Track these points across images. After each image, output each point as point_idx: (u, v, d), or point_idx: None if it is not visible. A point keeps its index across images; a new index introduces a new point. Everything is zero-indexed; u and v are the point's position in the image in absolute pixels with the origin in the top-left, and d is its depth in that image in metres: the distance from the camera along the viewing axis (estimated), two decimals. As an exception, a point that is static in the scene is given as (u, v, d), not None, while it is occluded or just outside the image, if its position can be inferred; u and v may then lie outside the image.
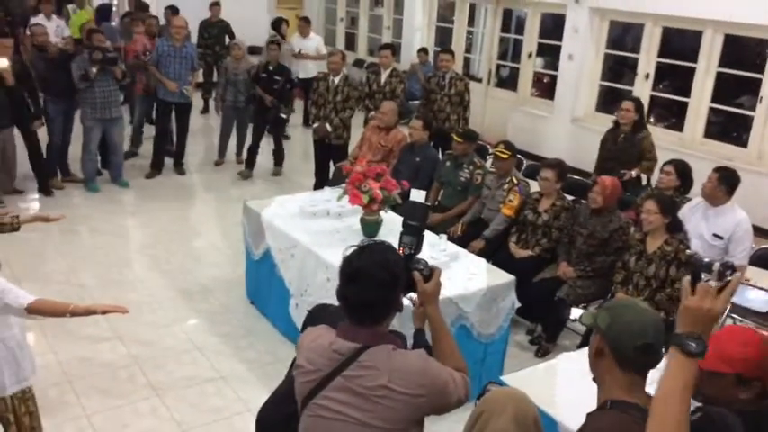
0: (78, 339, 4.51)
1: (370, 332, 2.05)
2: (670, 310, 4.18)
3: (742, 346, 1.97)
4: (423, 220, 3.06)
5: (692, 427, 1.57)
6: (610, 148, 6.01)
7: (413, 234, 2.62)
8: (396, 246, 2.37)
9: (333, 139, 7.14)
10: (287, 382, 2.50)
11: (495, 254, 5.00)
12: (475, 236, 5.21)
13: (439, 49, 10.04)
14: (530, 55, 9.77)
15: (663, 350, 1.80)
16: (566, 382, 3.01)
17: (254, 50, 9.23)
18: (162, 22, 9.93)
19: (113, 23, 10.78)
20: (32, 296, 2.80)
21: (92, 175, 7.42)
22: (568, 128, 8.93)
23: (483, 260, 4.40)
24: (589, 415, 1.87)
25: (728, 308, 4.24)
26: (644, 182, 6.01)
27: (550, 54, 9.68)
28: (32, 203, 7.02)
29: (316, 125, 7.25)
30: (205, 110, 10.95)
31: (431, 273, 2.31)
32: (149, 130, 8.55)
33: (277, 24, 10.14)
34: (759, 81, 7.14)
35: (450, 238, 4.79)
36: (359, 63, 12.53)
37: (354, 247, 2.11)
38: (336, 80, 7.11)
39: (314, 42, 10.23)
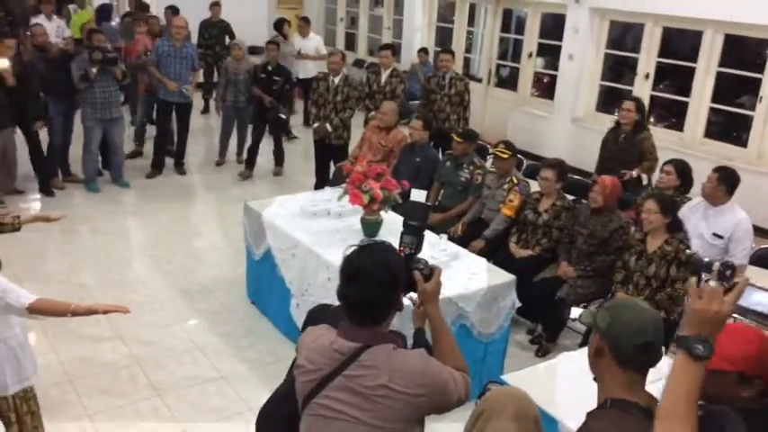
0: (79, 339, 4.52)
1: (370, 332, 2.06)
2: (670, 310, 4.19)
3: (744, 345, 1.96)
4: (423, 219, 3.07)
5: None
6: (611, 148, 6.01)
7: (413, 234, 2.62)
8: (396, 245, 2.37)
9: (333, 138, 7.14)
10: (287, 382, 2.51)
11: (496, 254, 5.00)
12: (475, 236, 5.21)
13: (439, 49, 10.05)
14: (530, 55, 9.77)
15: (663, 349, 1.80)
16: (566, 382, 3.02)
17: (254, 51, 9.24)
18: (162, 22, 9.94)
19: (113, 23, 10.78)
20: (34, 296, 2.81)
21: (92, 175, 7.43)
22: (568, 128, 8.93)
23: (483, 260, 4.41)
24: (589, 414, 1.87)
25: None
26: (644, 182, 6.01)
27: (550, 54, 9.68)
28: (33, 203, 7.03)
29: (316, 125, 7.25)
30: (206, 110, 10.96)
31: (431, 272, 2.32)
32: (151, 130, 8.55)
33: (279, 25, 10.14)
34: (759, 81, 7.14)
35: (451, 238, 4.80)
36: (359, 63, 12.53)
37: (354, 247, 2.12)
38: (336, 80, 7.12)
39: (313, 42, 10.24)
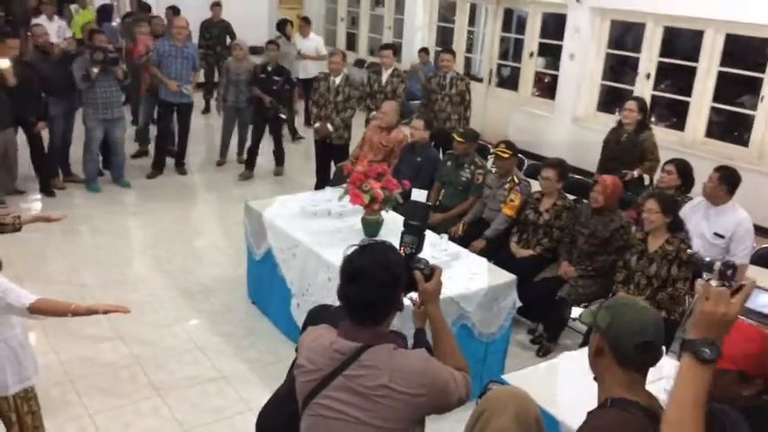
0: (80, 339, 4.52)
1: (370, 332, 2.06)
2: (671, 310, 4.19)
3: (745, 344, 1.96)
4: (424, 219, 3.06)
5: None
6: (612, 148, 6.00)
7: (414, 233, 2.62)
8: (397, 245, 2.37)
9: (334, 138, 7.14)
10: (287, 383, 2.51)
11: (497, 253, 5.00)
12: (476, 235, 5.21)
13: (440, 48, 10.05)
14: (531, 55, 9.77)
15: (663, 349, 1.79)
16: (567, 382, 3.02)
17: (255, 51, 9.25)
18: (164, 22, 9.93)
19: (114, 24, 10.79)
20: (34, 296, 2.81)
21: (93, 175, 7.43)
22: (569, 127, 8.93)
23: (484, 260, 4.40)
24: (590, 413, 1.87)
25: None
26: (646, 182, 6.01)
27: (551, 54, 9.68)
28: (34, 204, 7.04)
29: (317, 125, 7.25)
30: (206, 110, 10.95)
31: (432, 272, 2.31)
32: (153, 130, 8.55)
33: (282, 25, 10.14)
34: (760, 80, 7.13)
35: (452, 238, 4.80)
36: (360, 63, 12.53)
37: (355, 247, 2.12)
38: (337, 80, 7.12)
39: (313, 42, 10.23)
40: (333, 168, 7.14)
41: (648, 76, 8.15)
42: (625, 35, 9.13)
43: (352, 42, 13.53)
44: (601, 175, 4.95)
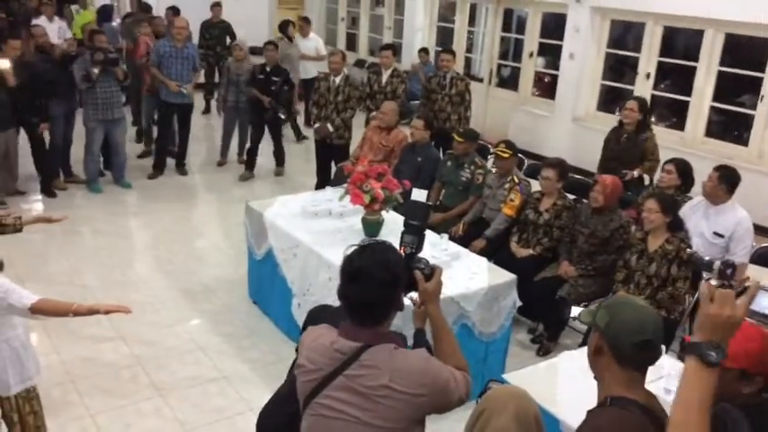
0: (81, 339, 4.53)
1: (371, 332, 2.06)
2: (671, 309, 4.20)
3: (746, 342, 1.96)
4: (424, 219, 3.07)
5: None
6: (613, 148, 6.01)
7: (414, 233, 2.62)
8: (396, 245, 2.38)
9: (334, 139, 7.15)
10: (287, 383, 2.51)
11: (497, 253, 5.01)
12: (476, 235, 5.22)
13: (440, 48, 10.05)
14: (531, 54, 9.77)
15: (662, 347, 1.80)
16: (567, 381, 3.02)
17: (255, 51, 9.25)
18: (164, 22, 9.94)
19: (114, 24, 10.80)
20: (36, 296, 2.82)
21: (94, 175, 7.44)
22: (569, 127, 8.93)
23: (484, 259, 4.41)
24: (589, 412, 1.88)
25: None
26: (646, 182, 6.01)
27: (551, 53, 9.68)
28: (35, 204, 7.05)
29: (317, 125, 7.26)
30: (207, 110, 10.96)
31: (432, 272, 2.31)
32: (154, 131, 8.56)
33: (284, 26, 10.14)
34: (760, 80, 7.14)
35: (452, 238, 4.81)
36: (360, 63, 12.53)
37: (355, 247, 2.12)
38: (337, 80, 7.12)
39: (313, 43, 10.23)
40: (333, 168, 7.15)
41: (648, 75, 8.16)
42: (625, 35, 9.13)
43: (352, 42, 13.54)
44: (600, 175, 4.96)
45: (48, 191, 7.20)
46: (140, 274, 5.67)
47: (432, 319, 2.33)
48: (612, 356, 1.85)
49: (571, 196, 5.27)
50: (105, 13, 10.97)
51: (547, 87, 9.96)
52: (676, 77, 8.39)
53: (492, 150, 5.79)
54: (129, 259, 5.99)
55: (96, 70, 6.78)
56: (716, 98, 7.65)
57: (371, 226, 4.45)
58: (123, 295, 5.11)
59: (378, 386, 1.99)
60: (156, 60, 7.66)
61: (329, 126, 7.10)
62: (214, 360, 4.45)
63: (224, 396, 4.09)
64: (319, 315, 2.59)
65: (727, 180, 4.53)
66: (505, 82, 10.61)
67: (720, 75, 7.54)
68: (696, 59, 7.65)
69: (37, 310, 2.80)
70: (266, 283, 4.93)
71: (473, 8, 10.86)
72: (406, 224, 2.76)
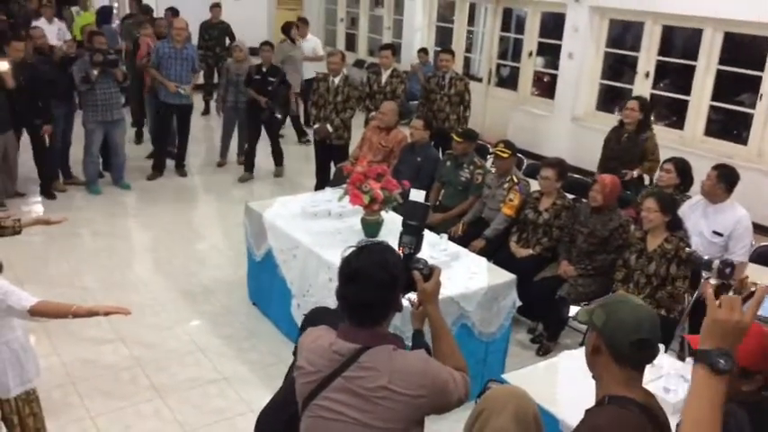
0: (81, 341, 4.53)
1: (369, 333, 2.06)
2: (671, 308, 4.20)
3: (747, 340, 1.97)
4: (422, 219, 3.07)
5: None
6: (613, 148, 6.01)
7: (412, 234, 2.63)
8: (394, 246, 2.38)
9: (334, 139, 7.15)
10: (282, 390, 2.51)
11: (496, 253, 5.01)
12: (476, 235, 5.22)
13: (439, 48, 10.05)
14: (530, 54, 9.78)
15: (661, 346, 1.80)
16: (567, 381, 3.03)
17: (254, 52, 9.25)
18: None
19: (114, 25, 10.80)
20: (35, 298, 2.82)
21: (93, 177, 7.44)
22: (569, 127, 8.94)
23: (484, 259, 4.41)
24: (588, 411, 1.88)
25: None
26: (646, 182, 6.01)
27: (550, 53, 9.69)
28: (34, 206, 7.05)
29: (316, 126, 7.26)
30: (206, 111, 10.97)
31: (431, 272, 2.31)
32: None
33: (287, 28, 10.13)
34: (759, 79, 7.14)
35: (451, 238, 4.80)
36: (359, 63, 12.53)
37: (353, 248, 2.12)
38: (336, 81, 7.12)
39: (311, 43, 10.20)
40: (333, 169, 7.15)
41: (647, 74, 8.16)
42: (624, 34, 9.13)
43: (351, 43, 13.54)
44: (600, 175, 4.96)
45: (47, 192, 7.21)
46: (140, 275, 5.67)
47: (431, 320, 2.33)
48: (610, 355, 1.85)
49: (570, 196, 5.27)
50: (105, 15, 10.97)
51: (546, 87, 9.96)
52: (675, 76, 8.39)
53: (491, 150, 5.79)
54: (129, 261, 5.99)
55: (95, 72, 6.78)
56: (715, 97, 7.66)
57: (371, 226, 4.45)
58: (123, 297, 5.11)
59: (377, 387, 1.99)
60: (155, 61, 7.67)
61: (328, 126, 7.10)
62: (214, 361, 4.45)
63: (224, 397, 4.09)
64: (317, 317, 2.59)
65: (725, 179, 4.53)
66: (504, 82, 10.62)
67: (719, 74, 7.54)
68: (695, 58, 7.66)
69: (36, 312, 2.80)
70: (266, 284, 4.92)
71: (472, 8, 10.86)
72: (404, 225, 2.76)
